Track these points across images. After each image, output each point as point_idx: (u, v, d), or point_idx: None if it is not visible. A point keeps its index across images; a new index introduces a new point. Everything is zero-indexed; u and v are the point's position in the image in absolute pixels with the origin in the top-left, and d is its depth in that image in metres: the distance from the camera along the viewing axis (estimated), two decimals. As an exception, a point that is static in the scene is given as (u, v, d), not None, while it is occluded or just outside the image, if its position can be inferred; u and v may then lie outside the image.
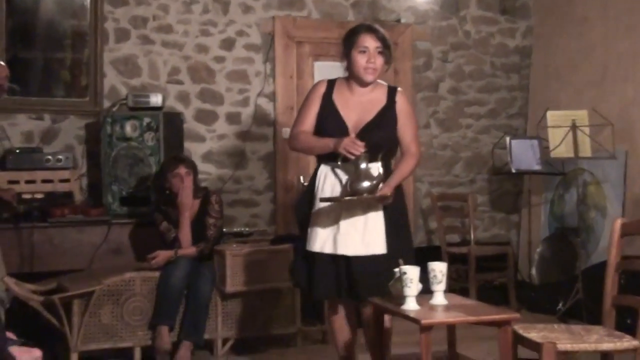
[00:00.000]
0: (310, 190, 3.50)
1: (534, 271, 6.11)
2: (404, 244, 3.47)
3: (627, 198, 5.61)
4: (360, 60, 3.38)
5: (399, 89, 3.55)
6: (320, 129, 3.44)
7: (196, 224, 4.68)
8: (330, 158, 3.37)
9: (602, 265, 5.31)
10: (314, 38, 6.09)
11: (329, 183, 3.40)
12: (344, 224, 3.35)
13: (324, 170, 3.44)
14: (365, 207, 3.35)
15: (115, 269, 4.60)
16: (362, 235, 3.35)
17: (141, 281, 4.48)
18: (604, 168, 5.70)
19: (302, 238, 3.49)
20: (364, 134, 3.36)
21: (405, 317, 3.06)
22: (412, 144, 3.47)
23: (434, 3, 6.35)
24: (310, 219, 3.43)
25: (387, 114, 3.44)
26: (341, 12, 6.15)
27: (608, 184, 5.73)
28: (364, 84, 3.45)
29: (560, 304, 5.50)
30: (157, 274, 4.50)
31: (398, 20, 6.27)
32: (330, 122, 3.42)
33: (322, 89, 3.50)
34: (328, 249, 3.37)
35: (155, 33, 5.67)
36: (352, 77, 3.46)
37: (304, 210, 3.50)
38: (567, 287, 5.53)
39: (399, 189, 3.44)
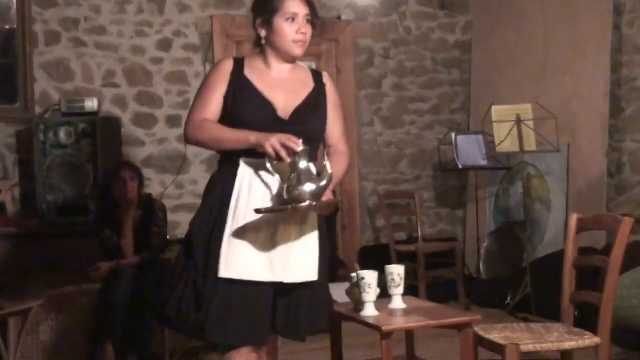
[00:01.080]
0: (220, 201, 2.64)
1: (481, 266, 6.10)
2: (325, 267, 2.80)
3: (570, 191, 5.65)
4: (288, 29, 2.66)
5: (324, 73, 2.87)
6: (234, 115, 2.65)
7: (139, 233, 4.49)
8: (248, 155, 2.60)
9: (549, 258, 5.38)
10: (253, 37, 5.90)
11: (257, 189, 2.61)
12: (282, 242, 2.60)
13: (246, 172, 2.62)
14: (300, 220, 2.64)
15: (54, 283, 4.38)
16: (302, 256, 2.65)
17: (82, 295, 4.27)
18: (547, 161, 5.72)
19: (194, 264, 2.62)
20: (296, 120, 2.67)
21: (365, 324, 2.95)
22: (341, 141, 2.81)
23: (374, 0, 6.27)
24: (218, 239, 2.59)
25: (319, 100, 2.75)
26: (280, 10, 6.00)
27: (552, 177, 5.76)
28: (288, 59, 2.73)
29: (509, 298, 5.49)
30: (99, 286, 4.29)
31: (339, 18, 6.17)
32: (250, 104, 2.65)
33: (228, 66, 2.73)
34: (261, 275, 2.56)
35: (87, 35, 5.44)
36: (274, 50, 2.71)
37: (206, 228, 2.63)
38: (515, 281, 5.53)
39: None
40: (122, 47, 5.52)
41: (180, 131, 5.63)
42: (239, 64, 2.73)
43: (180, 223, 5.64)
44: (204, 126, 2.64)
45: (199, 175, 5.75)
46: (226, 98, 2.67)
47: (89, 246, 4.68)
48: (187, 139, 2.71)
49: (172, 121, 5.67)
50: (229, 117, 2.65)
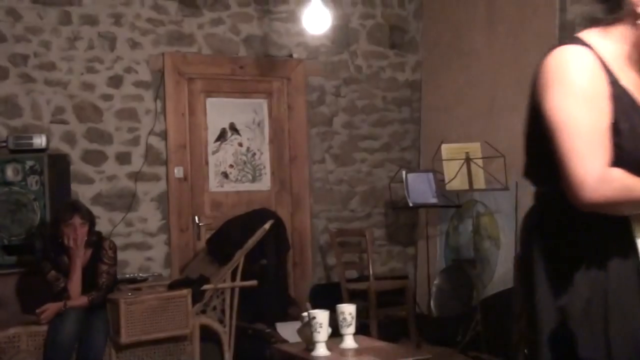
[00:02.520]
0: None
1: (432, 304, 6.13)
2: None
3: (519, 228, 5.72)
4: None
5: None
6: (630, 156, 1.77)
7: (88, 272, 4.45)
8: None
9: (499, 296, 5.45)
10: (205, 74, 5.96)
11: None
12: None
13: None
14: None
15: (-1, 324, 4.28)
16: None
17: (27, 337, 4.19)
18: (496, 199, 5.80)
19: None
20: None
21: (317, 364, 2.96)
22: None
23: (325, 38, 6.35)
24: None
25: None
26: (232, 48, 6.06)
27: (501, 214, 5.83)
28: None
29: (460, 336, 5.53)
30: (44, 328, 4.21)
31: (290, 56, 6.24)
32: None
33: (594, 65, 1.80)
34: None
35: (37, 71, 5.39)
36: None
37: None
38: (466, 319, 5.57)
39: None
40: (72, 83, 5.48)
41: (129, 168, 5.62)
42: (597, 60, 1.82)
43: (129, 262, 5.58)
44: (615, 177, 1.73)
45: (149, 213, 5.70)
46: (614, 126, 1.78)
47: (36, 285, 4.59)
48: (586, 201, 1.74)
49: (121, 158, 5.63)
50: (619, 159, 1.76)
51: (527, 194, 5.72)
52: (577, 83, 1.77)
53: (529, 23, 5.78)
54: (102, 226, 5.38)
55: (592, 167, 1.72)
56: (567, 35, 5.70)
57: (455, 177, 5.42)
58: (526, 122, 1.95)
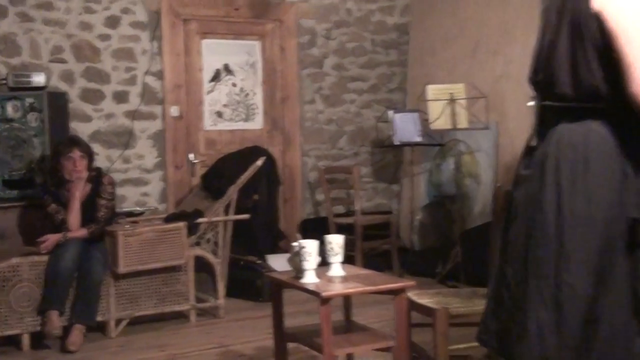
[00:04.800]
0: None
1: (414, 237, 6.12)
2: None
3: (498, 166, 5.69)
4: None
5: None
6: None
7: (87, 206, 4.37)
8: None
9: (478, 229, 5.42)
10: (200, 16, 5.78)
11: None
12: None
13: None
14: None
15: (1, 255, 4.20)
16: None
17: (29, 266, 4.12)
18: (477, 138, 5.74)
19: None
20: None
21: (305, 290, 2.91)
22: None
23: (316, -18, 6.17)
24: None
25: None
26: (226, -9, 5.86)
27: (481, 153, 5.78)
28: None
29: (440, 267, 5.53)
30: (45, 258, 4.16)
31: (282, -1, 6.06)
32: None
33: None
34: None
35: (35, 10, 5.19)
36: None
37: None
38: (446, 251, 5.57)
39: None
40: (70, 23, 5.30)
41: (126, 106, 5.48)
42: None
43: (127, 197, 5.49)
44: None
45: (145, 151, 5.59)
46: None
47: (36, 218, 4.52)
48: None
49: (119, 97, 5.48)
50: None
51: (506, 133, 5.68)
52: None
53: (513, -32, 5.63)
54: (100, 163, 5.27)
55: None
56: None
57: (439, 117, 5.34)
58: (571, 32, 1.82)
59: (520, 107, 5.58)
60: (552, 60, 1.86)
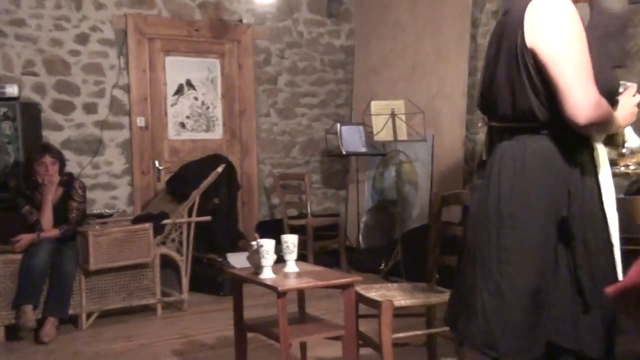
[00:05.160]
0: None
1: (360, 238, 6.19)
2: None
3: (434, 174, 5.80)
4: None
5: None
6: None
7: (60, 208, 4.32)
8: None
9: (416, 230, 5.52)
10: (164, 35, 5.76)
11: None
12: None
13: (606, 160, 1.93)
14: None
15: (-24, 254, 4.12)
16: None
17: (3, 264, 4.06)
18: (415, 149, 5.85)
19: None
20: None
21: (264, 285, 2.94)
22: None
23: (271, 6, 6.20)
24: None
25: None
26: (189, 12, 5.86)
27: (419, 162, 5.89)
28: None
29: (383, 264, 5.60)
30: (19, 256, 4.09)
31: (240, 21, 6.08)
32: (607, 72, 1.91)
33: (574, 10, 1.83)
34: None
35: (7, 26, 5.11)
36: None
37: None
38: (388, 250, 5.65)
39: None
40: (41, 39, 5.22)
41: (96, 117, 5.42)
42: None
43: (96, 200, 5.43)
44: (603, 102, 1.81)
45: (114, 158, 5.54)
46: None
47: (9, 220, 4.44)
48: (585, 121, 1.77)
49: (88, 108, 5.42)
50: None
51: (441, 144, 5.80)
52: (574, 25, 1.80)
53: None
54: (71, 168, 5.22)
55: (591, 92, 1.77)
56: (480, 10, 5.73)
57: (382, 130, 5.42)
58: (508, 64, 1.88)
59: (453, 122, 5.73)
60: (493, 88, 1.95)
